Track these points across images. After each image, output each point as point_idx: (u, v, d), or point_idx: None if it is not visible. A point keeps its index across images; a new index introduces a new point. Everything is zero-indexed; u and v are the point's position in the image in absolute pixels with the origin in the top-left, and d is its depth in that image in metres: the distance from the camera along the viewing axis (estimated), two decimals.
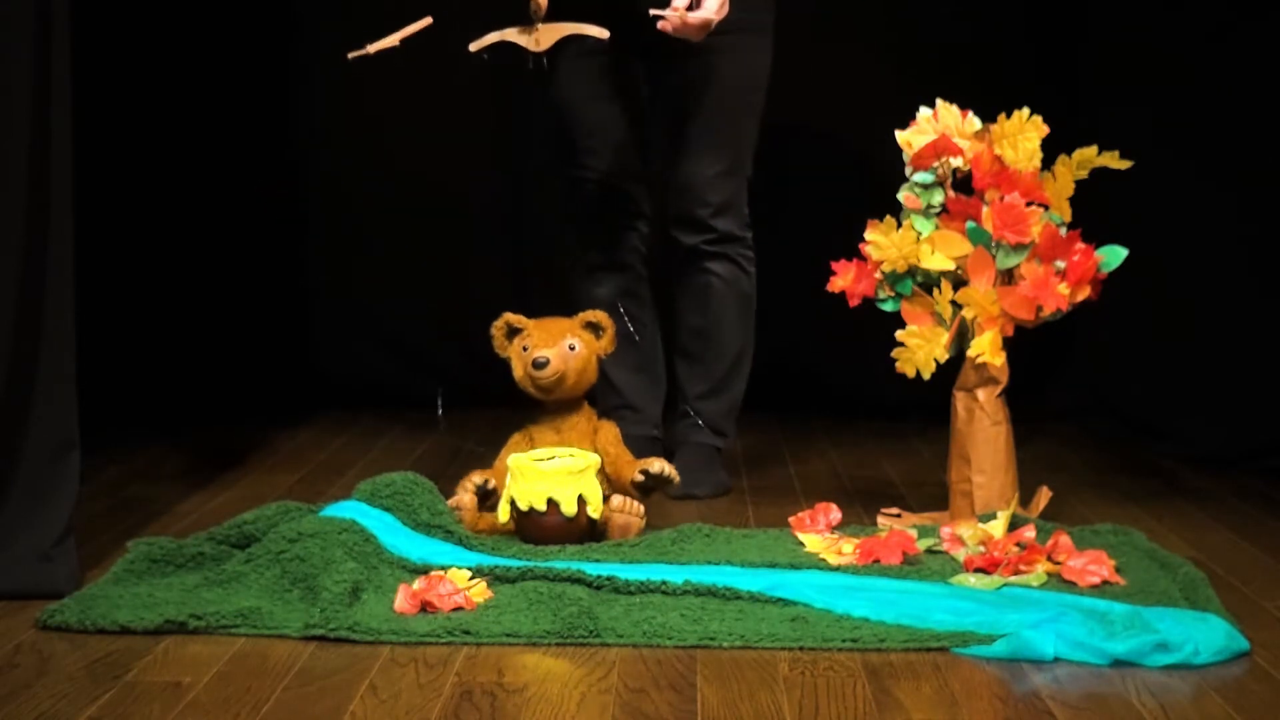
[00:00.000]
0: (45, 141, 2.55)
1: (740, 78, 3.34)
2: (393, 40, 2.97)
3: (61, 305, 2.58)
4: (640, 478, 3.01)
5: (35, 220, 2.54)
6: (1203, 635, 2.30)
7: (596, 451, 3.04)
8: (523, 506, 2.83)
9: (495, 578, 2.59)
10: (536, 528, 2.84)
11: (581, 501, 2.84)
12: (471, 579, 2.54)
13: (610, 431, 3.10)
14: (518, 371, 3.05)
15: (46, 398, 2.57)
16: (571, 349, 3.03)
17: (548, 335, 3.04)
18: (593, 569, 2.61)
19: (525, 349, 3.03)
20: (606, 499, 2.90)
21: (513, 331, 3.07)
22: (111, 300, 4.29)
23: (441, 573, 2.55)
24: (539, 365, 3.00)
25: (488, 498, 2.97)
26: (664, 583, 2.55)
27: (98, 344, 3.38)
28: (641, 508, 2.91)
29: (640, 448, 3.46)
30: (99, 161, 4.08)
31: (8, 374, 2.53)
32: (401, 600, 2.47)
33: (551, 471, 2.84)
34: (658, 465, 3.02)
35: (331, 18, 4.50)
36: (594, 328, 3.08)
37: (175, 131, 4.43)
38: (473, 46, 2.97)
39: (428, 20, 2.98)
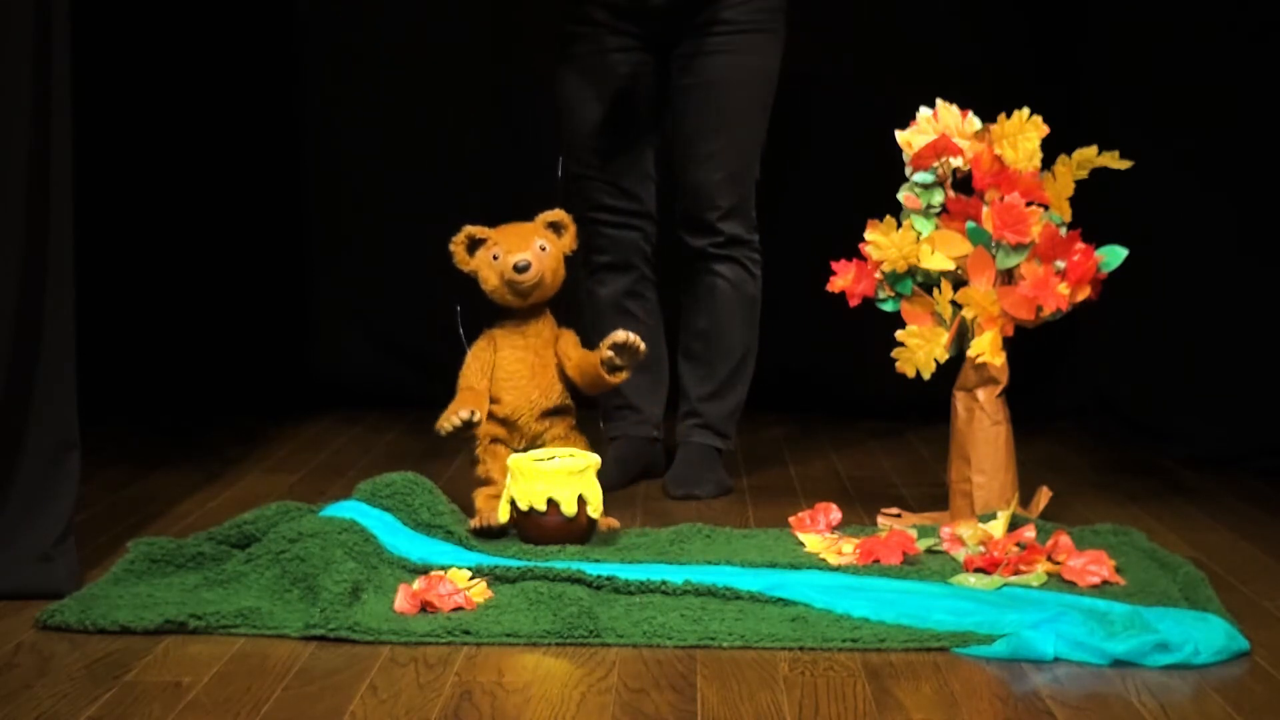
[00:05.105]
0: (45, 141, 2.55)
1: (753, 81, 3.33)
2: None
3: (61, 305, 2.58)
4: (609, 354, 2.98)
5: (35, 220, 2.54)
6: (1203, 635, 2.30)
7: (558, 356, 3.05)
8: (523, 506, 2.83)
9: (495, 578, 2.59)
10: (536, 528, 2.84)
11: (581, 501, 2.83)
12: (471, 579, 2.54)
13: (570, 337, 3.09)
14: (491, 280, 3.03)
15: (46, 398, 2.57)
16: (543, 249, 3.02)
17: (518, 239, 3.03)
18: (593, 569, 2.61)
19: (496, 257, 3.02)
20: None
21: (474, 245, 3.06)
22: (111, 300, 4.29)
23: (441, 573, 2.54)
24: (521, 269, 2.99)
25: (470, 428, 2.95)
26: (664, 583, 2.55)
27: (98, 343, 3.38)
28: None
29: (640, 448, 3.46)
30: (99, 161, 4.09)
31: (8, 374, 2.53)
32: (401, 600, 2.47)
33: (551, 471, 2.84)
34: (621, 335, 2.98)
35: (332, 17, 4.50)
36: (556, 227, 3.07)
37: (176, 131, 4.43)
38: None
39: None
